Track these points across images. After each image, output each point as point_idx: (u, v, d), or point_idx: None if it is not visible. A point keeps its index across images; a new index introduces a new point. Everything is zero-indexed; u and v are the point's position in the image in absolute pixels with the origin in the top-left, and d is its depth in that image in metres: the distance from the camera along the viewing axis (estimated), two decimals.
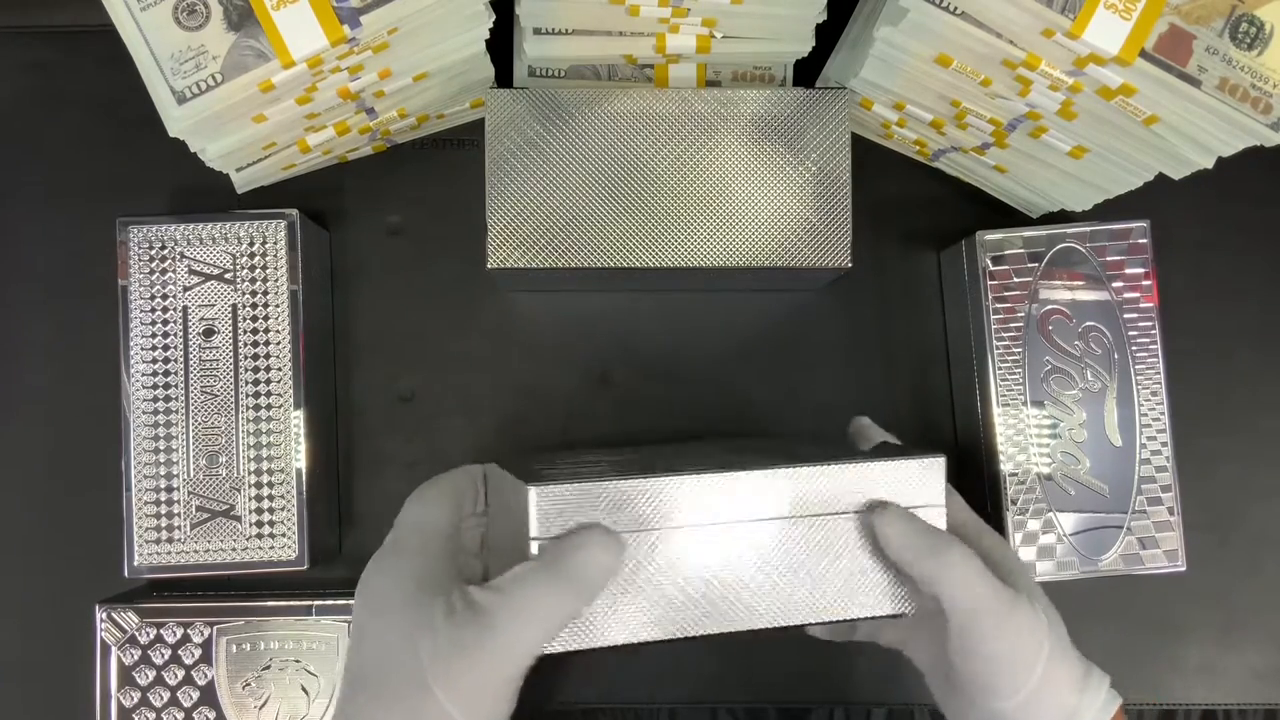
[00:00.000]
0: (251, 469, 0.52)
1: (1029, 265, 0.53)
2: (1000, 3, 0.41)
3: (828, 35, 0.53)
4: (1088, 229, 0.53)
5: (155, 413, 0.52)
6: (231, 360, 0.53)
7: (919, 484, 0.40)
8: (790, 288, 0.58)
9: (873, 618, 0.40)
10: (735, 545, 0.38)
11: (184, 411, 0.52)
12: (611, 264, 0.50)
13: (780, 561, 0.39)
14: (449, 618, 0.35)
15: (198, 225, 0.53)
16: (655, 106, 0.50)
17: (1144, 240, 0.54)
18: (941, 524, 0.40)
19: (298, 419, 0.52)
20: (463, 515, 0.42)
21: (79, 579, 0.55)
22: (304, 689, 0.52)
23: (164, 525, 0.52)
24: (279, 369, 0.53)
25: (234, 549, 0.52)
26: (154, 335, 0.53)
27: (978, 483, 0.55)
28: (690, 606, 0.38)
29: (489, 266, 0.50)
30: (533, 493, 0.36)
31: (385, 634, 0.36)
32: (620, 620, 0.37)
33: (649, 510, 0.37)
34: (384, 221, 0.58)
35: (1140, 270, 0.53)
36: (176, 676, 0.52)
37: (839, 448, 0.47)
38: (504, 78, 0.54)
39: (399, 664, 0.35)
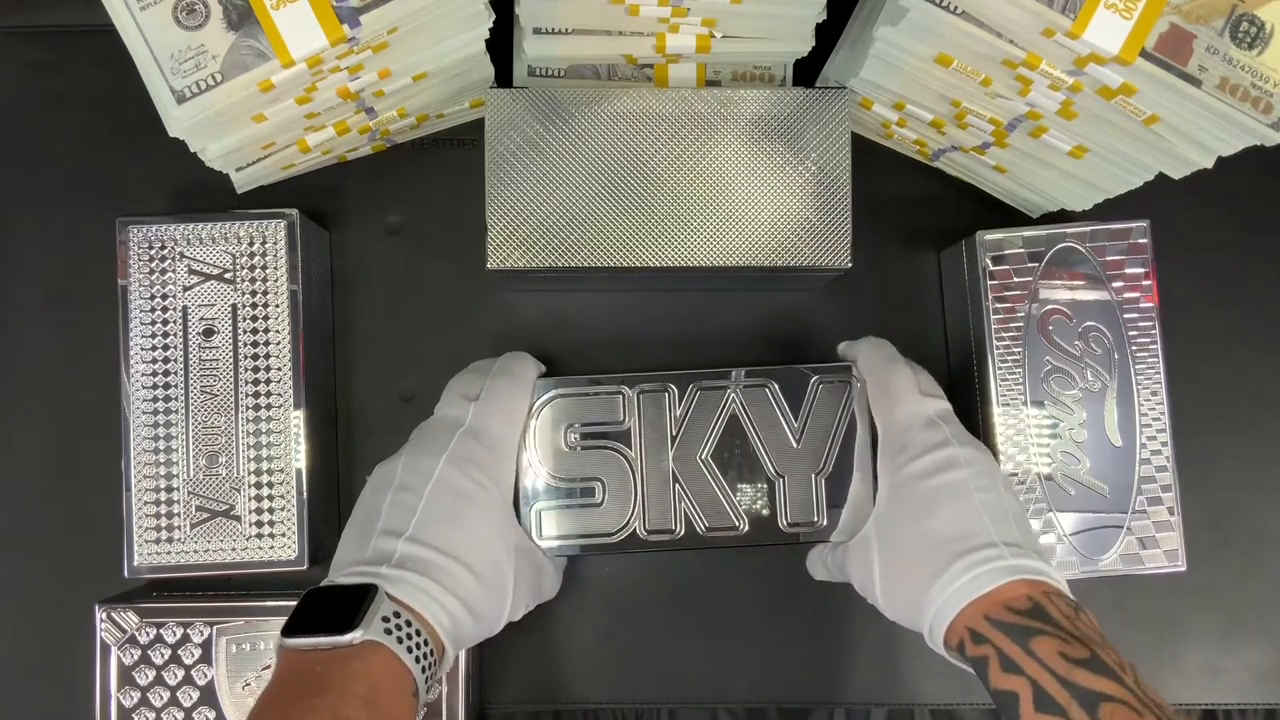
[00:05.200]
0: (251, 469, 0.52)
1: (1029, 265, 0.53)
2: (1001, 3, 0.41)
3: (828, 35, 0.53)
4: (1088, 229, 0.53)
5: (155, 413, 0.52)
6: (231, 360, 0.53)
7: None
8: (790, 288, 0.58)
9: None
10: None
11: (184, 411, 0.52)
12: (611, 264, 0.50)
13: None
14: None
15: (198, 225, 0.53)
16: (655, 106, 0.50)
17: (1144, 240, 0.54)
18: None
19: (298, 419, 0.52)
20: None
21: (79, 579, 0.55)
22: None
23: (164, 525, 0.52)
24: (279, 369, 0.53)
25: (234, 549, 0.52)
26: (154, 335, 0.53)
27: None
28: None
29: (489, 266, 0.50)
30: None
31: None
32: None
33: None
34: (384, 221, 0.58)
35: (1140, 270, 0.53)
36: (176, 676, 0.52)
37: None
38: (504, 78, 0.54)
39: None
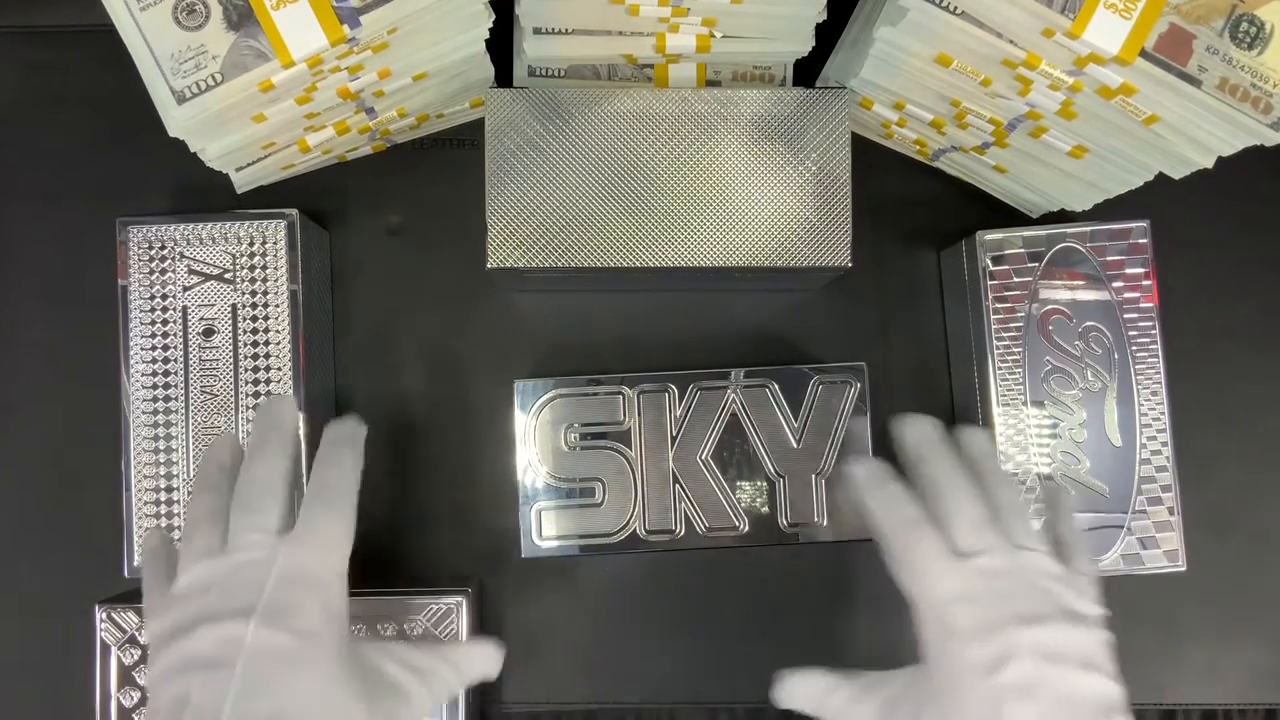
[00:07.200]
0: None
1: (1029, 265, 0.53)
2: (1000, 3, 0.41)
3: (828, 35, 0.53)
4: (1088, 229, 0.53)
5: (155, 413, 0.52)
6: (231, 360, 0.53)
7: None
8: (790, 288, 0.58)
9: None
10: None
11: (184, 411, 0.52)
12: (611, 264, 0.50)
13: None
14: None
15: (198, 225, 0.53)
16: (655, 106, 0.50)
17: (1144, 240, 0.54)
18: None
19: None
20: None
21: (79, 579, 0.55)
22: None
23: (164, 525, 0.52)
24: (279, 369, 0.53)
25: None
26: (154, 335, 0.53)
27: None
28: None
29: (489, 266, 0.50)
30: None
31: None
32: None
33: None
34: (384, 221, 0.58)
35: (1140, 270, 0.53)
36: None
37: None
38: (504, 78, 0.54)
39: None
